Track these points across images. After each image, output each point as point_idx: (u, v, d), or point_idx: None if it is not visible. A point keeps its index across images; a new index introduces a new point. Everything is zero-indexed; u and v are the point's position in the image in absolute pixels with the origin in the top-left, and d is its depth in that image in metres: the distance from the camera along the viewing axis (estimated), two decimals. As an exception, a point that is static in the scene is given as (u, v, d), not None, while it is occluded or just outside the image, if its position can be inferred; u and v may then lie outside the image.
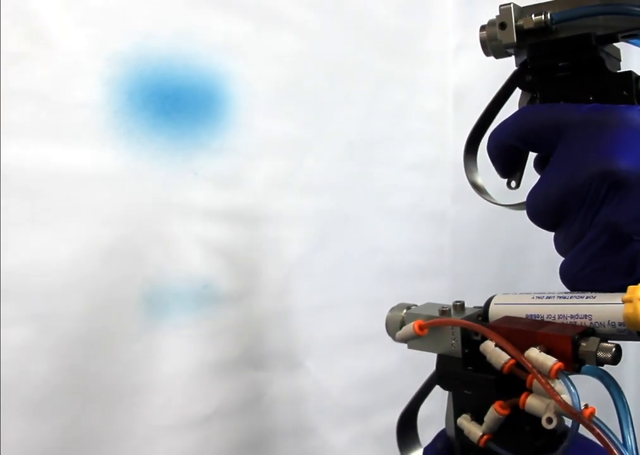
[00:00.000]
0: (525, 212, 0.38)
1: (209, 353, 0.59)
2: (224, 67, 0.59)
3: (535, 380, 0.31)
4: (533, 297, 0.35)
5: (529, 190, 0.36)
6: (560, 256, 0.36)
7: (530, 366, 0.31)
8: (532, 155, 0.40)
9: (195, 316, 0.59)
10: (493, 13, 0.91)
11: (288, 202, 0.64)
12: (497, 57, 0.39)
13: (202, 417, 0.60)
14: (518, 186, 0.40)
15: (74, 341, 0.52)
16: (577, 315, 0.32)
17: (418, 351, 0.79)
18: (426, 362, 0.81)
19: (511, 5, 0.37)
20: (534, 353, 0.31)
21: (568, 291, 0.34)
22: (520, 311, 0.35)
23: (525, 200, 0.37)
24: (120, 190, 0.54)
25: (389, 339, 0.75)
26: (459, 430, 0.36)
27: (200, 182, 0.58)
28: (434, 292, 0.82)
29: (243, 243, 0.61)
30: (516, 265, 0.93)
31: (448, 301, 0.82)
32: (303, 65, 0.65)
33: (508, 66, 0.96)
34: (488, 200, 0.42)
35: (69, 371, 0.52)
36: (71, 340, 0.52)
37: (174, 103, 0.56)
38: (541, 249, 1.00)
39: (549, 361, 0.30)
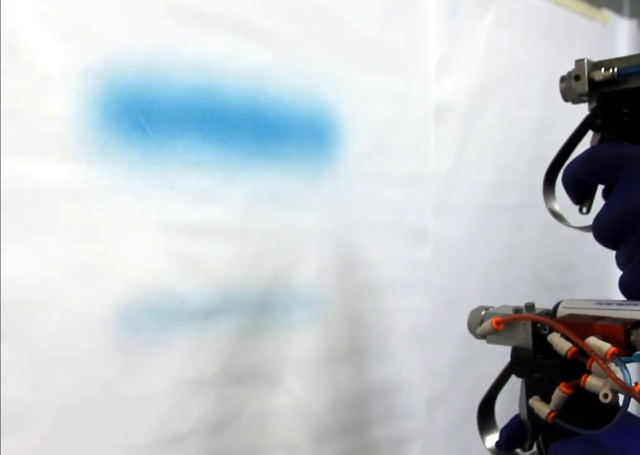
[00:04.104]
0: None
1: (186, 370, 0.61)
2: (201, 81, 0.59)
3: (594, 363, 0.39)
4: (595, 303, 0.43)
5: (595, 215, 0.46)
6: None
7: (590, 349, 0.39)
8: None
9: (172, 333, 0.61)
10: (476, 26, 0.93)
11: (267, 217, 0.65)
12: (574, 103, 0.48)
13: (179, 435, 0.61)
14: (588, 211, 0.48)
15: (47, 359, 0.53)
16: None
17: (400, 368, 0.80)
18: (406, 381, 0.81)
19: (585, 60, 0.46)
20: (592, 340, 0.39)
21: (625, 299, 0.43)
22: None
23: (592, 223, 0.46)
24: (94, 205, 0.56)
25: (371, 355, 0.76)
26: (530, 411, 0.45)
27: (176, 196, 0.57)
28: (415, 307, 0.82)
29: (220, 258, 0.63)
30: (501, 280, 0.94)
31: (429, 316, 0.83)
32: (282, 79, 0.65)
33: (488, 81, 0.97)
34: (565, 224, 0.51)
35: (43, 389, 0.53)
36: (45, 357, 0.53)
37: (150, 117, 0.56)
38: (526, 265, 1.01)
39: (605, 346, 0.39)
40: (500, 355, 0.91)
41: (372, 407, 0.78)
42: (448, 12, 0.86)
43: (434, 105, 0.85)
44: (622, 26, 1.26)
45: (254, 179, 0.66)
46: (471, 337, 0.88)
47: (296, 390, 0.71)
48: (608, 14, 1.22)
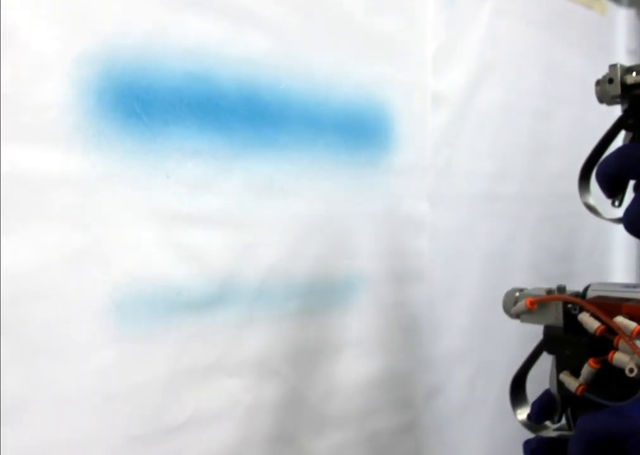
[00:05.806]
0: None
1: (182, 361, 0.61)
2: (196, 67, 0.59)
3: (621, 340, 0.43)
4: (622, 286, 0.48)
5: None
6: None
7: (617, 327, 0.43)
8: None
9: (168, 323, 0.61)
10: (473, 15, 0.93)
11: (264, 206, 0.66)
12: (609, 105, 0.52)
13: (174, 426, 0.62)
14: (620, 205, 0.52)
15: (41, 349, 0.53)
16: None
17: (398, 359, 0.80)
18: (403, 371, 0.81)
19: (618, 65, 0.50)
20: (620, 319, 0.44)
21: None
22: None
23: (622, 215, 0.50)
24: (89, 193, 0.56)
25: (368, 346, 0.76)
26: (560, 385, 0.49)
27: (172, 185, 0.57)
28: (412, 297, 0.82)
29: (217, 248, 0.64)
30: (498, 270, 0.95)
31: (427, 306, 0.83)
32: (279, 66, 0.66)
33: (485, 71, 0.97)
34: (598, 217, 0.55)
35: (36, 379, 0.53)
36: (39, 348, 0.53)
37: (145, 104, 0.57)
38: (525, 255, 1.01)
39: (631, 325, 0.43)
40: (499, 346, 0.92)
41: (369, 397, 0.79)
42: (446, 1, 0.86)
43: (431, 94, 0.85)
44: (620, 15, 1.27)
45: (250, 167, 0.66)
46: (468, 328, 0.89)
47: (293, 380, 0.72)
48: (606, 3, 1.23)
